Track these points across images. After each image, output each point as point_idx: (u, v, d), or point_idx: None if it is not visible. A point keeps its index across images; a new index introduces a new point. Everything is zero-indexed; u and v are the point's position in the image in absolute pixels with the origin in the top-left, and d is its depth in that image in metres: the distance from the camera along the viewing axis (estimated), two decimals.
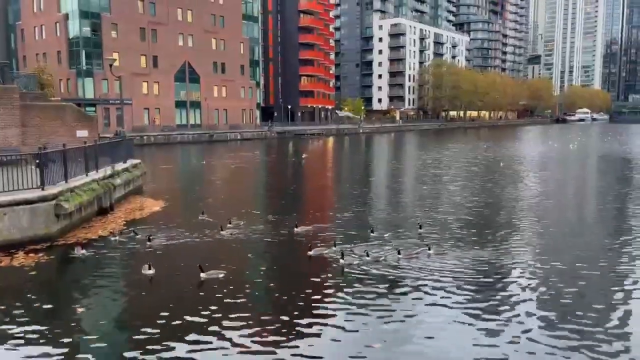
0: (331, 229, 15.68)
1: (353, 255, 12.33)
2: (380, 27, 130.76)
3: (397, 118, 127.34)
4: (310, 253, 12.45)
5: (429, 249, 12.74)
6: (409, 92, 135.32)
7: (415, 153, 51.83)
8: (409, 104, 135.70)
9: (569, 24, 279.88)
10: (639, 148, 52.61)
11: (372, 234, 14.32)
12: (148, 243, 13.64)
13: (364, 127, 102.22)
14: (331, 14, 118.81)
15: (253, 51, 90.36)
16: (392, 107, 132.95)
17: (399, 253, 12.35)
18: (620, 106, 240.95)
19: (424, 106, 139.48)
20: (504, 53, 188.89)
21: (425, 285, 10.43)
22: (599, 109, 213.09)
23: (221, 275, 10.93)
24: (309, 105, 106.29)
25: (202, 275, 10.75)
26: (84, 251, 12.72)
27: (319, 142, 71.68)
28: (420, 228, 15.13)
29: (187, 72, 76.77)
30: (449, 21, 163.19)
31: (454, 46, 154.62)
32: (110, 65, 31.22)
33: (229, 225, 15.51)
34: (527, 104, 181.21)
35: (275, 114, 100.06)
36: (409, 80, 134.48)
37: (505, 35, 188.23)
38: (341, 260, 11.80)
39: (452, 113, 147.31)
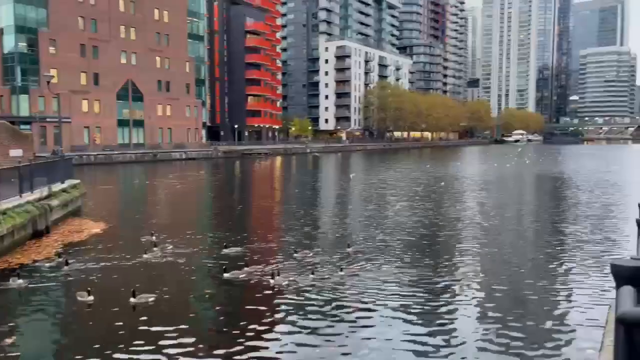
0: (260, 249, 15.56)
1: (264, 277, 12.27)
2: (326, 49, 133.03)
3: (344, 138, 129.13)
4: (226, 275, 12.27)
5: (341, 270, 12.51)
6: (355, 113, 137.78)
7: (361, 173, 52.63)
8: (355, 125, 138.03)
9: (505, 50, 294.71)
10: (570, 168, 55.59)
11: (295, 254, 14.27)
12: (65, 267, 13.02)
13: (312, 146, 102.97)
14: (278, 35, 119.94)
15: (199, 70, 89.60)
16: (339, 127, 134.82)
17: (312, 273, 12.28)
18: (552, 128, 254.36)
19: (370, 127, 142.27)
20: (445, 76, 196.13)
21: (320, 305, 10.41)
22: (534, 130, 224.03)
23: (151, 300, 10.66)
24: (255, 125, 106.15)
25: (132, 300, 10.45)
26: (20, 281, 11.84)
27: (266, 162, 71.58)
28: (349, 247, 15.08)
29: (130, 90, 75.10)
30: (392, 44, 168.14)
31: (397, 69, 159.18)
32: (48, 82, 30.16)
33: (154, 248, 15.04)
34: (467, 125, 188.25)
35: (222, 133, 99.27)
36: (355, 101, 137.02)
37: (446, 59, 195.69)
38: (271, 281, 11.83)
39: (397, 133, 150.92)
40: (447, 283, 12.12)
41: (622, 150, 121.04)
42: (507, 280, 12.35)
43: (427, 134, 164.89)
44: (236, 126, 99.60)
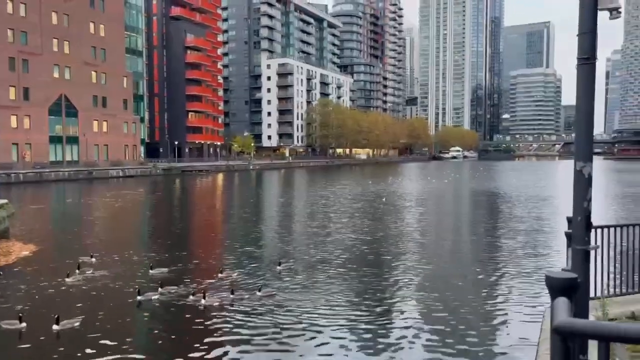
0: (188, 269, 15.25)
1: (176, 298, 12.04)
2: (269, 66, 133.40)
3: (287, 155, 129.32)
4: (139, 297, 11.92)
5: (259, 290, 12.26)
6: (298, 130, 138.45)
7: (304, 189, 52.74)
8: (298, 141, 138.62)
9: (441, 70, 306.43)
10: (504, 183, 58.08)
11: (220, 274, 14.00)
12: None
13: (254, 163, 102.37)
14: (219, 51, 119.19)
15: (137, 85, 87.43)
16: (282, 144, 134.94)
17: (232, 293, 12.02)
18: (486, 145, 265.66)
19: (312, 143, 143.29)
20: (385, 94, 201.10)
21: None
22: (469, 147, 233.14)
23: (77, 324, 10.17)
24: (196, 142, 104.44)
25: (55, 327, 9.90)
26: None
27: (208, 179, 70.39)
28: (279, 265, 14.91)
29: (64, 106, 72.08)
30: (333, 63, 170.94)
31: (339, 87, 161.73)
32: None
33: (77, 271, 14.36)
34: (407, 142, 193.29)
35: (161, 150, 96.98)
36: (298, 119, 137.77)
37: (385, 78, 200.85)
38: (189, 301, 11.64)
39: (339, 150, 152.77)
40: (379, 300, 12.17)
41: (550, 166, 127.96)
42: (443, 295, 12.61)
43: (369, 151, 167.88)
44: (176, 143, 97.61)
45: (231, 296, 11.97)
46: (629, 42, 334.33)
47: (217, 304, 11.56)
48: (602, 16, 4.73)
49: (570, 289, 2.45)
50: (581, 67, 4.59)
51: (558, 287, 2.46)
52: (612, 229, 7.40)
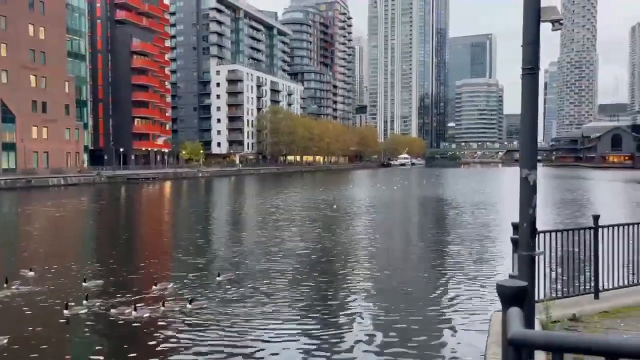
0: (123, 281, 14.80)
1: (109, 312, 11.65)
2: (218, 72, 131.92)
3: (237, 162, 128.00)
4: (66, 312, 11.41)
5: (190, 302, 11.92)
6: (248, 137, 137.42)
7: (254, 197, 52.26)
8: (248, 149, 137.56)
9: (389, 79, 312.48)
10: (450, 190, 59.60)
11: (154, 286, 13.61)
12: None
13: (203, 170, 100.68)
14: (167, 57, 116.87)
15: (80, 90, 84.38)
16: (232, 151, 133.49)
17: (135, 309, 11.49)
18: (433, 152, 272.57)
19: (263, 150, 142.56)
20: (335, 102, 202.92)
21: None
22: (417, 154, 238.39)
23: (5, 342, 9.64)
24: (143, 149, 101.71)
25: None
26: None
27: (154, 187, 68.60)
28: (219, 276, 14.58)
29: (0, 111, 68.55)
30: (284, 70, 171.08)
31: (289, 94, 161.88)
32: None
33: (5, 285, 13.59)
34: (357, 150, 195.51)
35: (106, 158, 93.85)
36: (248, 125, 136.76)
37: (335, 86, 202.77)
38: (133, 313, 11.30)
39: (290, 157, 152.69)
40: (322, 311, 12.04)
41: (493, 172, 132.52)
42: (393, 303, 12.66)
43: (319, 158, 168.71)
44: (122, 150, 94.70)
45: (162, 308, 11.61)
46: (565, 54, 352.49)
47: (147, 315, 11.23)
48: (544, 28, 4.88)
49: (521, 297, 2.46)
50: (525, 77, 4.71)
51: (509, 295, 2.47)
52: (552, 234, 7.65)
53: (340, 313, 11.85)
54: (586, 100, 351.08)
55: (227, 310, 11.76)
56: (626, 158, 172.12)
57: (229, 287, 13.84)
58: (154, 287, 13.55)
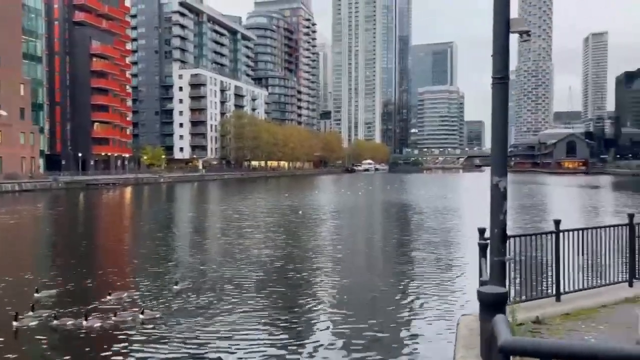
0: (77, 291, 14.36)
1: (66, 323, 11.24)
2: (181, 76, 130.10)
3: (200, 167, 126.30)
4: (15, 324, 10.98)
5: (142, 313, 11.53)
6: (212, 142, 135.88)
7: (217, 203, 51.63)
8: (212, 154, 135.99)
9: (353, 85, 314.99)
10: (413, 195, 60.41)
11: (109, 296, 13.25)
12: None
13: (165, 176, 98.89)
14: (128, 60, 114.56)
15: (36, 93, 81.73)
16: (195, 156, 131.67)
17: (86, 319, 11.10)
18: (396, 158, 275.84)
19: (227, 156, 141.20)
20: (299, 107, 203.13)
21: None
22: (381, 160, 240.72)
23: None
24: (102, 153, 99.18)
25: None
26: None
27: (114, 193, 66.94)
28: (176, 285, 14.24)
29: None
30: (248, 75, 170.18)
31: (253, 99, 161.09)
32: None
33: None
34: (321, 155, 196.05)
35: (64, 163, 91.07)
36: (211, 130, 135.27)
37: (299, 92, 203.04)
38: (84, 323, 11.00)
39: (254, 163, 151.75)
40: (285, 319, 11.87)
41: (455, 178, 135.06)
42: (359, 310, 12.67)
43: (284, 163, 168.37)
44: (80, 155, 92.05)
45: (113, 319, 11.32)
46: (522, 63, 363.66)
47: (97, 325, 10.96)
48: (512, 38, 5.00)
49: (502, 303, 2.49)
50: (495, 86, 4.81)
51: (490, 302, 2.49)
52: (516, 239, 7.82)
53: (304, 321, 11.77)
54: (542, 108, 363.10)
55: (182, 321, 11.46)
56: (580, 164, 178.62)
57: (187, 296, 13.53)
58: (108, 296, 13.17)
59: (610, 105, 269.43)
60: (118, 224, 35.26)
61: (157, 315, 11.74)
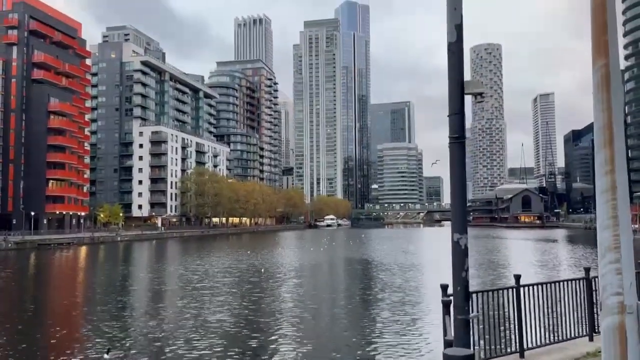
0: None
1: None
2: (141, 133, 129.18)
3: (159, 225, 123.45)
4: None
5: None
6: (171, 199, 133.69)
7: (175, 263, 50.15)
8: (172, 211, 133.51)
9: (315, 142, 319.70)
10: (375, 251, 60.45)
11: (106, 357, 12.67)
12: None
13: (123, 234, 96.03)
14: (87, 117, 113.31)
15: None
16: (154, 213, 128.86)
17: None
18: (358, 213, 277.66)
19: (187, 213, 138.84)
20: (262, 164, 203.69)
21: None
22: (343, 215, 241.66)
23: None
24: (57, 212, 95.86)
25: None
26: None
27: (68, 253, 64.29)
28: (108, 353, 13.60)
29: None
30: (210, 132, 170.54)
31: (215, 156, 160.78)
32: None
33: None
34: (284, 211, 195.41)
35: (14, 222, 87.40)
36: (171, 187, 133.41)
37: (262, 148, 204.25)
38: None
39: (215, 219, 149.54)
40: None
41: (416, 233, 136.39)
42: None
43: (246, 220, 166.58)
44: (33, 213, 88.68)
45: None
46: (477, 121, 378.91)
47: None
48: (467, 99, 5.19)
49: None
50: (452, 145, 4.94)
51: None
52: (477, 295, 7.82)
53: None
54: (497, 164, 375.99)
55: None
56: (535, 218, 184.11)
57: None
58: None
59: (560, 161, 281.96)
60: (69, 288, 33.61)
61: None
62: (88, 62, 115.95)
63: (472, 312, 6.84)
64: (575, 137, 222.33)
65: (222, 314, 20.35)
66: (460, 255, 4.73)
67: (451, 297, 5.52)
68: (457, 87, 4.91)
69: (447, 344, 5.20)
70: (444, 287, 6.40)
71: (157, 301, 26.09)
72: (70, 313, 23.11)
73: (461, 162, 4.89)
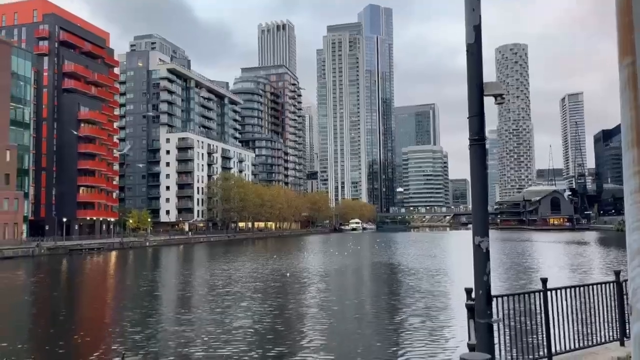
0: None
1: None
2: (168, 140, 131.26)
3: (186, 230, 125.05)
4: None
5: None
6: (198, 204, 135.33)
7: (202, 268, 50.71)
8: (198, 216, 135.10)
9: (339, 146, 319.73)
10: (400, 255, 60.03)
11: None
12: None
13: (151, 240, 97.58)
14: (116, 125, 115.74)
15: (22, 159, 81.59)
16: (181, 218, 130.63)
17: None
18: (383, 217, 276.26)
19: (214, 218, 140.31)
20: (286, 169, 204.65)
21: None
22: (368, 219, 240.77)
23: None
24: (88, 218, 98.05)
25: None
26: None
27: (99, 258, 65.63)
28: (123, 358, 13.79)
29: None
30: (235, 138, 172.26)
31: (240, 161, 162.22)
32: None
33: None
34: (309, 215, 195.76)
35: (47, 228, 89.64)
36: (198, 193, 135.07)
37: (286, 153, 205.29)
38: None
39: (241, 224, 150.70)
40: None
41: (443, 236, 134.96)
42: None
43: (271, 224, 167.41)
44: (65, 220, 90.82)
45: None
46: (503, 123, 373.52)
47: None
48: (488, 100, 5.15)
49: None
50: (472, 147, 4.89)
51: None
52: (504, 298, 7.71)
53: None
54: (525, 166, 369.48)
55: None
56: (565, 220, 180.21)
57: None
58: None
59: (590, 162, 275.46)
60: (99, 293, 34.31)
61: None
62: (116, 70, 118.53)
63: (495, 316, 6.75)
64: (605, 136, 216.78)
65: (246, 319, 20.46)
66: (481, 259, 4.68)
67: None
68: (477, 89, 4.87)
69: (471, 348, 5.14)
70: (469, 291, 6.32)
71: (185, 306, 26.42)
72: (98, 317, 23.58)
73: (482, 163, 4.84)
